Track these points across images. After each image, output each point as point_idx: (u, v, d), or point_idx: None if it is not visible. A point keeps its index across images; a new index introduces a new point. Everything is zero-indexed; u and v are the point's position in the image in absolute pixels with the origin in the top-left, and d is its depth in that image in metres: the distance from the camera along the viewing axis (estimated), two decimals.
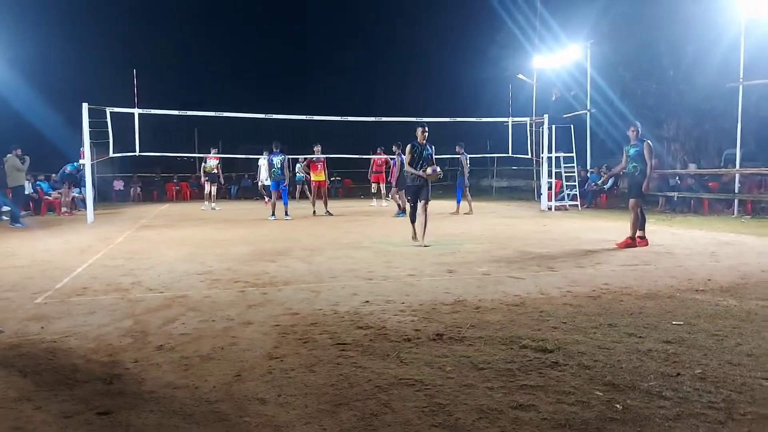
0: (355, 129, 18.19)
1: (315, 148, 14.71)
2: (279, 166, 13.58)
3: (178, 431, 2.65)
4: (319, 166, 14.87)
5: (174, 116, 16.47)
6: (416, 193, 8.65)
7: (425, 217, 8.55)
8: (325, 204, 15.07)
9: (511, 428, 2.61)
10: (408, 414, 2.77)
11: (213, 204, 17.56)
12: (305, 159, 16.11)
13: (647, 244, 8.33)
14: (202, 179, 17.89)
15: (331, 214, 14.60)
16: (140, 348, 3.83)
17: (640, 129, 8.50)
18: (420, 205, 8.55)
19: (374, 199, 18.85)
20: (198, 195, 22.40)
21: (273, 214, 13.56)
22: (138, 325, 4.37)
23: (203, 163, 17.77)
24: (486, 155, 22.89)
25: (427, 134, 8.65)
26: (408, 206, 8.95)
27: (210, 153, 17.66)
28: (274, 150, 13.67)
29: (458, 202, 14.97)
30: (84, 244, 9.27)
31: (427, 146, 8.61)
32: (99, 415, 2.80)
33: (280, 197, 13.74)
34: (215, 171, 17.51)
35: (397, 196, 14.49)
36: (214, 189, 17.85)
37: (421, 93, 32.17)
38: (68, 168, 16.94)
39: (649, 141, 8.37)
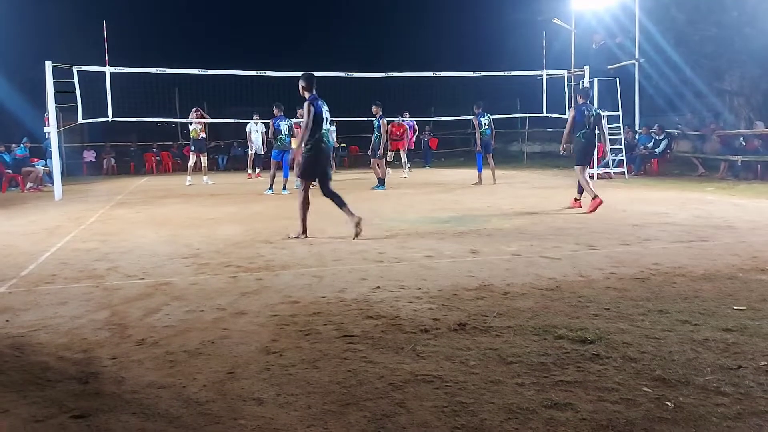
0: (361, 87, 18.11)
1: (300, 111, 14.62)
2: (287, 132, 13.58)
3: None
4: None
5: (152, 75, 16.46)
6: (322, 165, 7.55)
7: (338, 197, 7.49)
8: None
9: (545, 430, 2.64)
10: (426, 415, 2.80)
11: (205, 177, 17.52)
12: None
13: (580, 207, 9.80)
14: (190, 148, 17.76)
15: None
16: (119, 343, 3.89)
17: (584, 94, 10.15)
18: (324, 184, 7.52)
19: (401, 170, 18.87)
20: (181, 166, 22.46)
21: (270, 188, 13.61)
22: (116, 317, 4.44)
23: (191, 126, 17.53)
24: (515, 116, 22.72)
25: (305, 84, 7.52)
26: (306, 186, 7.58)
27: (190, 115, 17.36)
28: (279, 114, 13.65)
29: (479, 170, 14.98)
30: (52, 224, 9.38)
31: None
32: (74, 419, 2.86)
33: (280, 168, 13.76)
34: (202, 136, 17.37)
35: (377, 165, 14.43)
36: (204, 159, 17.70)
37: (437, 42, 31.78)
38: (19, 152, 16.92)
39: (574, 107, 10.04)
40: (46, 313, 4.58)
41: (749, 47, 18.16)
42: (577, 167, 9.86)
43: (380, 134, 14.30)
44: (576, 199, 9.99)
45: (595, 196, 9.39)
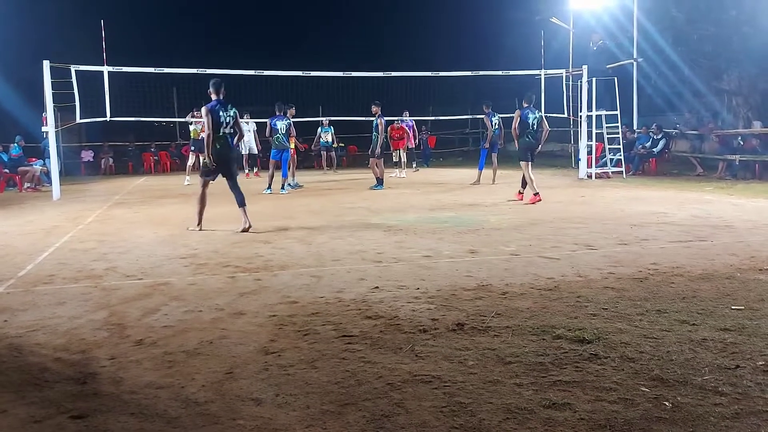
0: (359, 86, 18.11)
1: (289, 112, 14.65)
2: (284, 132, 13.60)
3: None
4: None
5: (150, 74, 16.42)
6: (224, 166, 8.28)
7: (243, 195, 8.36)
8: (292, 174, 15.20)
9: (543, 430, 2.64)
10: (424, 415, 2.81)
11: None
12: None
13: (521, 199, 11.01)
14: (190, 148, 17.70)
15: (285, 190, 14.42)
16: (117, 343, 3.89)
17: (528, 99, 11.26)
18: (229, 184, 8.38)
19: (396, 169, 18.85)
20: (180, 166, 22.42)
21: (269, 187, 13.60)
22: (114, 317, 4.44)
23: (191, 126, 17.47)
24: (513, 115, 22.66)
25: (213, 90, 8.15)
26: (204, 183, 8.55)
27: (193, 114, 17.29)
28: (277, 113, 13.66)
29: (480, 169, 14.97)
30: (50, 224, 9.37)
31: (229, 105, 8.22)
32: (72, 419, 2.86)
33: (278, 168, 13.76)
34: (202, 136, 17.29)
35: (375, 165, 14.41)
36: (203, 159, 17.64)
37: (436, 42, 31.80)
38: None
39: (519, 110, 11.25)
40: (44, 313, 4.58)
41: (748, 46, 18.16)
42: (522, 163, 11.11)
43: (378, 134, 14.26)
44: (519, 192, 11.15)
45: (536, 193, 10.70)
